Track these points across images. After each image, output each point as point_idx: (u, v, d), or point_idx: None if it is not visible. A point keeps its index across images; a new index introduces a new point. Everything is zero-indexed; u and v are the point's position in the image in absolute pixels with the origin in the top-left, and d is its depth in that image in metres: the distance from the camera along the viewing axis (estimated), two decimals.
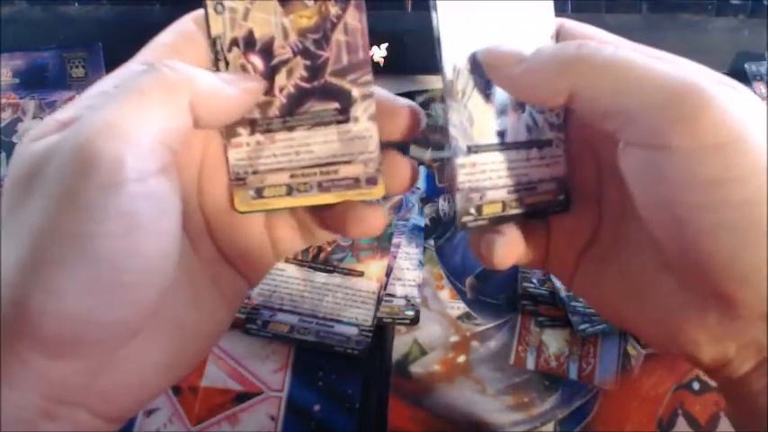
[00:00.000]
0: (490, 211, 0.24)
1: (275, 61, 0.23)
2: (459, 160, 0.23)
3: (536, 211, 0.25)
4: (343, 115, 0.23)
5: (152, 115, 0.19)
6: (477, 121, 0.23)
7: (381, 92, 0.24)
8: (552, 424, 0.37)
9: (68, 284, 0.17)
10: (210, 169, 0.23)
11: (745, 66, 0.47)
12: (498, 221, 0.24)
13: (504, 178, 0.24)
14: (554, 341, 0.39)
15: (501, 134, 0.24)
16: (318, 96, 0.23)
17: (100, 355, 0.19)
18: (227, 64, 0.23)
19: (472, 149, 0.23)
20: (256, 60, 0.23)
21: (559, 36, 0.24)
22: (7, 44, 0.49)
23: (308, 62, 0.23)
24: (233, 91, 0.21)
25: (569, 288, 0.26)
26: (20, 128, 0.47)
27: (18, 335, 0.18)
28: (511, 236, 0.24)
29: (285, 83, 0.23)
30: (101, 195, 0.17)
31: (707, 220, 0.18)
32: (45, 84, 0.48)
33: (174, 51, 0.22)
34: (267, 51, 0.23)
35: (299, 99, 0.23)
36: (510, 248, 0.24)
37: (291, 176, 0.24)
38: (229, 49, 0.23)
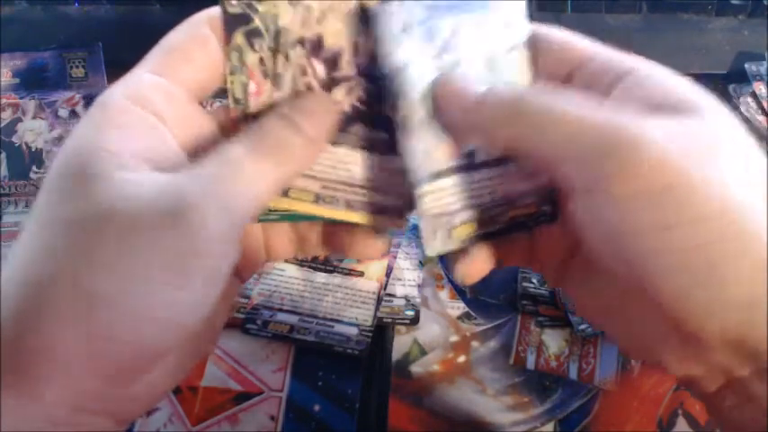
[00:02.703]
0: (462, 233, 0.23)
1: (338, 75, 0.22)
2: (424, 188, 0.22)
3: (519, 224, 0.24)
4: (390, 148, 0.23)
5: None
6: (443, 143, 0.22)
7: None
8: (552, 424, 0.37)
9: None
10: None
11: (745, 66, 0.47)
12: (476, 240, 0.23)
13: (478, 198, 0.23)
14: (554, 341, 0.39)
15: (470, 154, 0.23)
16: (370, 122, 0.23)
17: (117, 382, 0.19)
18: (286, 58, 0.22)
19: (440, 174, 0.22)
20: (319, 67, 0.22)
21: (534, 44, 0.23)
22: (7, 44, 0.49)
23: (370, 86, 0.22)
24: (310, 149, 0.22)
25: (557, 288, 0.26)
26: (20, 128, 0.47)
27: (36, 358, 0.17)
28: (474, 255, 0.24)
29: (342, 99, 0.23)
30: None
31: (656, 265, 0.18)
32: (45, 84, 0.48)
33: (186, 57, 0.21)
34: (333, 62, 0.22)
35: (350, 119, 0.23)
36: (471, 267, 0.24)
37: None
38: (293, 46, 0.22)
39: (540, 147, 0.19)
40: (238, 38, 0.22)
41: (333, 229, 0.24)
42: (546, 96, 0.20)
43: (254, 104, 0.22)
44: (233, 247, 0.20)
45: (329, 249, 0.25)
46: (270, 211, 0.23)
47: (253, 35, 0.22)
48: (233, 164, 0.20)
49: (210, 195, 0.19)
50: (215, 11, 0.22)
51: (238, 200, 0.19)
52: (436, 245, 0.23)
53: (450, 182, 0.23)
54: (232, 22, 0.22)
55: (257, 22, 0.22)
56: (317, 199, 0.23)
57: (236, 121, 0.22)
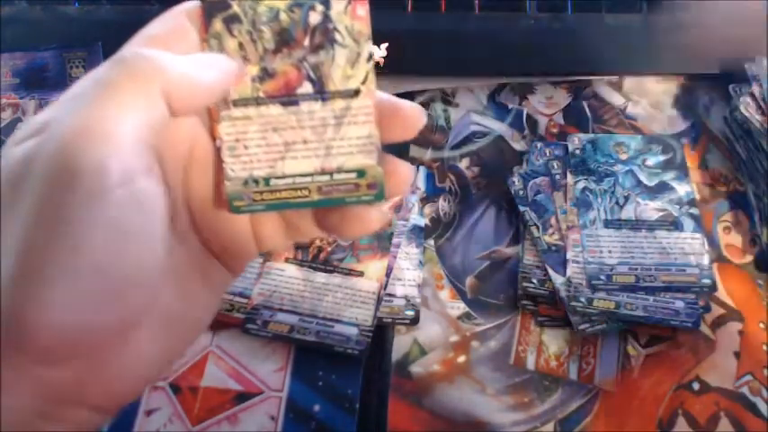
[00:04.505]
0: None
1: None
2: None
3: None
4: None
5: (126, 111, 0.18)
6: None
7: (382, 94, 0.23)
8: (552, 424, 0.37)
9: (57, 298, 0.17)
10: (197, 166, 0.23)
11: (745, 66, 0.47)
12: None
13: None
14: (554, 341, 0.39)
15: None
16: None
17: (95, 359, 0.19)
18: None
19: None
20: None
21: None
22: (7, 44, 0.49)
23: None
24: (208, 74, 0.21)
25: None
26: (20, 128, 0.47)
27: (14, 345, 0.17)
28: None
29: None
30: (84, 206, 0.17)
31: None
32: (45, 84, 0.48)
33: (165, 48, 0.21)
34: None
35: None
36: None
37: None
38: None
39: None
40: (217, 24, 0.22)
41: (323, 210, 0.24)
42: None
43: (234, 90, 0.22)
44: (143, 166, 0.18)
45: (322, 231, 0.25)
46: (254, 201, 0.23)
47: (231, 21, 0.22)
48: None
49: (80, 127, 0.17)
50: (194, 3, 0.22)
51: (115, 124, 0.18)
52: None
53: None
54: (211, 10, 0.22)
55: (236, 7, 0.22)
56: None
57: (217, 108, 0.22)
